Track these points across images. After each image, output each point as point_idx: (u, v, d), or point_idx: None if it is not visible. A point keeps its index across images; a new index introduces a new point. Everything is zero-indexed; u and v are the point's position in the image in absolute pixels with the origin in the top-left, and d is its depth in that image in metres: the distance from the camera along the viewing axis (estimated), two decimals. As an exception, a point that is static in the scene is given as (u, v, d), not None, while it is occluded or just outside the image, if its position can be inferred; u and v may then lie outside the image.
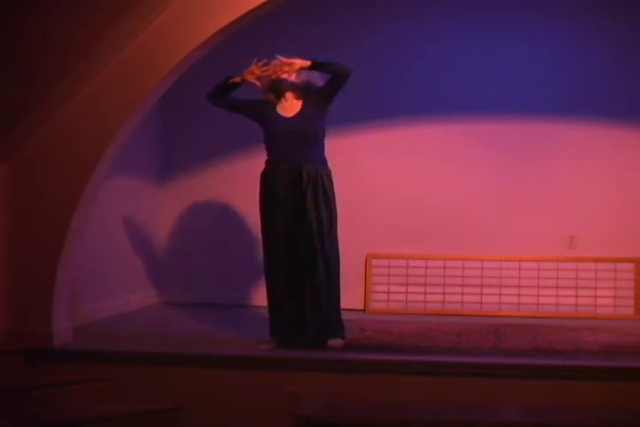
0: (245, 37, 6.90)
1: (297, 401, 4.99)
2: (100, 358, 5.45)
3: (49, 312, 5.54)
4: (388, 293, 7.42)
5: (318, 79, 5.66)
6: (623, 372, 5.11)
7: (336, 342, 5.59)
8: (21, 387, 5.22)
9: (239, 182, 7.64)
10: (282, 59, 5.56)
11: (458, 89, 7.38)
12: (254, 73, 5.62)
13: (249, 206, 7.53)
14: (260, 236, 5.76)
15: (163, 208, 7.76)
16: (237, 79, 5.67)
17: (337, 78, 5.57)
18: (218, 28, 5.49)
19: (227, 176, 7.68)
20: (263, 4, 5.44)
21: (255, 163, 7.53)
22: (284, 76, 5.60)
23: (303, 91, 5.67)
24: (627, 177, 7.35)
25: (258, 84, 5.67)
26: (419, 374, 5.18)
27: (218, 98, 5.75)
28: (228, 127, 7.63)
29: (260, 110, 5.72)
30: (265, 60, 5.60)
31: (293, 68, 5.56)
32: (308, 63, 5.55)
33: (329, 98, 5.64)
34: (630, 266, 7.27)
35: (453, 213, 7.45)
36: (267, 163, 5.73)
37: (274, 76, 5.61)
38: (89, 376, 5.34)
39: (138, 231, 7.43)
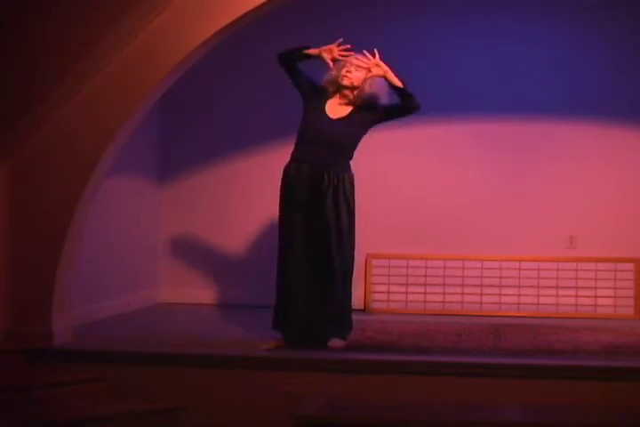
0: (245, 37, 6.90)
1: (297, 401, 4.99)
2: (100, 358, 5.45)
3: (49, 312, 5.54)
4: (388, 293, 7.42)
5: (383, 95, 5.54)
6: (623, 372, 5.11)
7: (336, 342, 5.57)
8: (21, 387, 5.21)
9: (239, 182, 7.65)
10: (376, 56, 5.47)
11: (458, 89, 7.38)
12: (332, 52, 5.48)
13: (249, 206, 7.57)
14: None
15: (163, 208, 7.76)
16: (313, 51, 5.48)
17: (405, 110, 5.55)
18: (218, 28, 5.48)
19: (227, 176, 7.67)
20: (263, 4, 5.44)
21: (255, 163, 7.61)
22: (357, 73, 5.50)
23: (361, 99, 5.55)
24: (627, 177, 7.35)
25: (330, 64, 5.50)
26: (419, 374, 5.17)
27: (285, 60, 5.52)
28: (228, 127, 7.64)
29: (313, 95, 5.58)
30: (348, 46, 5.49)
31: (377, 71, 5.48)
32: (400, 84, 5.46)
33: (381, 121, 5.60)
34: (630, 266, 7.27)
35: (453, 213, 7.46)
36: (292, 158, 5.59)
37: (353, 62, 5.48)
38: (89, 376, 5.34)
39: (138, 231, 7.42)
